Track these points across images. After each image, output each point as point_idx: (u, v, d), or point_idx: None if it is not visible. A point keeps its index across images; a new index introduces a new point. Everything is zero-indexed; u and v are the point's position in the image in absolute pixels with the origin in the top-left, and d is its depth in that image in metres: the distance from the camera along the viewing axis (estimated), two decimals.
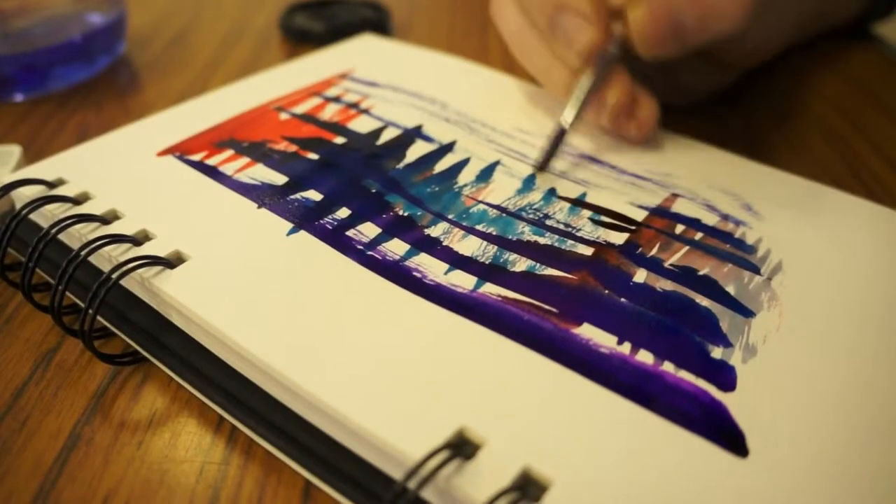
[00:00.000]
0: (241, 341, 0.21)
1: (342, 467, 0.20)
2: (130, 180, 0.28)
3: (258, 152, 0.30)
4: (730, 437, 0.19)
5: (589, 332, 0.22)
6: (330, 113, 0.34)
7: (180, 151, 0.30)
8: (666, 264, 0.25)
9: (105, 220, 0.26)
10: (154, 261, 0.24)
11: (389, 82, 0.37)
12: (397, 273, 0.24)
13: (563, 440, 0.19)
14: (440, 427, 0.19)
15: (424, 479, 0.17)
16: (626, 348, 0.22)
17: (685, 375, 0.21)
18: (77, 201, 0.27)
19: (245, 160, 0.30)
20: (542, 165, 0.31)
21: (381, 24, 0.51)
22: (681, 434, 0.19)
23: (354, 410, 0.19)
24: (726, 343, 0.22)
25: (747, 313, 0.24)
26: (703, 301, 0.24)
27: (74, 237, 0.26)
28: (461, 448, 0.18)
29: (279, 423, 0.21)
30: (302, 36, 0.50)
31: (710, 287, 0.24)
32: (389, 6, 0.54)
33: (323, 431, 0.21)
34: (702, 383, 0.21)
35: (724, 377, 0.21)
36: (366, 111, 0.34)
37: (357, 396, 0.20)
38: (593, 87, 0.31)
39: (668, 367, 0.21)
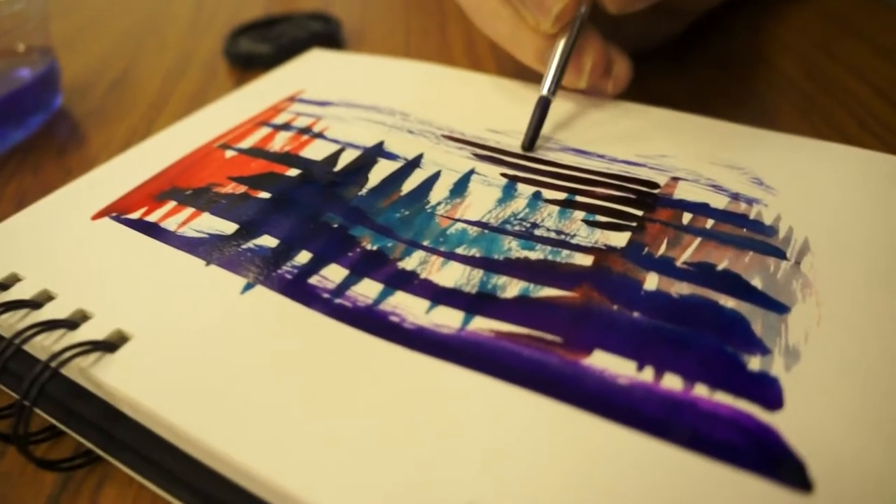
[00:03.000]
0: (197, 433, 0.18)
1: None
2: (63, 253, 0.25)
3: (203, 199, 0.27)
4: (787, 469, 0.16)
5: (602, 361, 0.19)
6: (280, 142, 0.30)
7: (117, 211, 0.27)
8: (678, 263, 0.22)
9: (36, 303, 0.23)
10: (91, 347, 0.20)
11: (343, 99, 0.34)
12: (372, 320, 0.21)
13: (592, 502, 0.16)
14: None
15: None
16: (648, 375, 0.18)
17: (722, 398, 0.18)
18: (4, 286, 0.23)
19: (189, 210, 0.26)
20: (530, 144, 0.29)
21: (332, 37, 0.47)
22: (729, 474, 0.16)
23: (338, 502, 0.16)
24: (763, 349, 0.19)
25: (781, 309, 0.20)
26: (728, 302, 0.21)
27: (4, 328, 0.22)
28: None
29: None
30: (249, 61, 0.46)
31: (733, 283, 0.21)
32: (339, 16, 0.50)
33: None
34: (743, 404, 0.18)
35: (768, 392, 0.18)
36: (319, 135, 0.31)
37: (339, 488, 0.16)
38: (569, 51, 0.30)
39: (700, 390, 0.18)
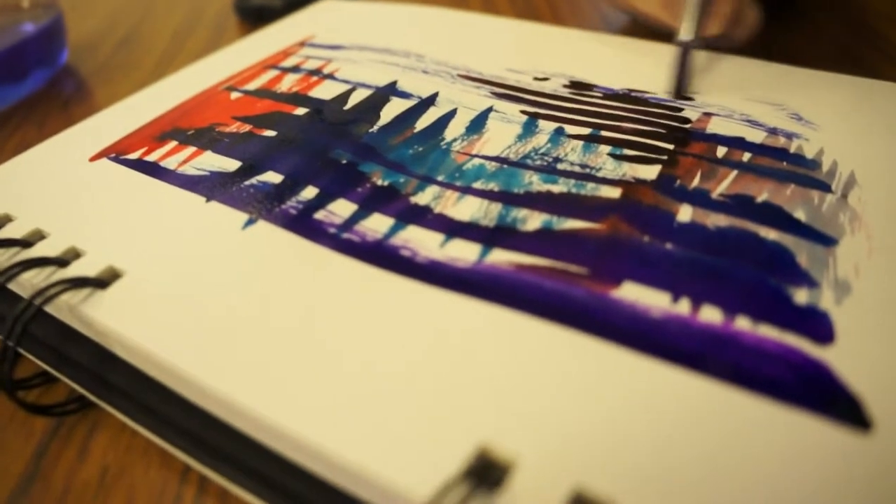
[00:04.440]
0: (190, 371, 0.16)
1: None
2: (58, 193, 0.23)
3: (205, 139, 0.25)
4: (842, 405, 0.14)
5: (633, 293, 0.17)
6: (288, 84, 0.29)
7: (116, 152, 0.25)
8: (714, 195, 0.20)
9: (26, 242, 0.21)
10: (80, 282, 0.19)
11: (355, 43, 0.32)
12: (381, 255, 0.19)
13: (622, 442, 0.14)
14: (454, 448, 0.14)
15: None
16: (683, 307, 0.17)
17: (766, 332, 0.16)
18: None
19: (190, 150, 0.25)
20: (679, 90, 0.27)
21: None
22: (778, 412, 0.14)
23: (341, 444, 0.14)
24: (810, 282, 0.17)
25: (827, 241, 0.19)
26: (770, 234, 0.19)
27: None
28: (486, 473, 0.13)
29: (256, 467, 0.17)
30: (260, 15, 0.45)
31: (775, 215, 0.19)
32: None
33: (310, 472, 0.16)
34: (790, 339, 0.16)
35: (817, 326, 0.16)
36: (329, 76, 0.29)
37: (343, 425, 0.15)
38: None
39: (742, 323, 0.16)
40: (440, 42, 0.31)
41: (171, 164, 0.24)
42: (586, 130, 0.24)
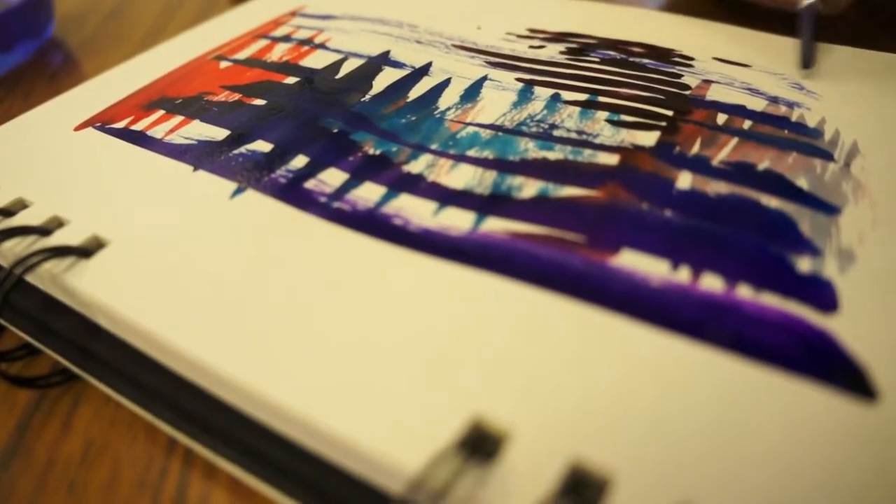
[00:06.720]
0: (179, 342, 0.16)
1: (328, 489, 0.15)
2: (42, 163, 0.23)
3: (194, 107, 0.25)
4: (846, 375, 0.14)
5: (631, 261, 0.17)
6: (279, 53, 0.28)
7: (102, 121, 0.25)
8: (714, 162, 0.20)
9: (9, 212, 0.21)
10: (63, 251, 0.18)
11: (347, 13, 0.31)
12: (373, 223, 0.19)
13: (620, 413, 0.14)
14: (447, 419, 0.14)
15: (435, 498, 0.12)
16: (683, 275, 0.16)
17: (769, 300, 0.16)
18: None
19: (178, 119, 0.24)
20: (808, 61, 0.25)
21: None
22: (781, 382, 0.14)
23: (331, 416, 0.14)
24: (813, 250, 0.17)
25: (830, 210, 0.18)
26: (771, 201, 0.18)
27: None
28: (480, 445, 0.13)
29: (244, 440, 0.16)
30: None
31: (776, 183, 0.19)
32: None
33: (298, 445, 0.15)
34: (793, 307, 0.15)
35: (821, 295, 0.16)
36: (321, 45, 0.28)
37: (333, 397, 0.14)
38: None
39: (744, 292, 0.16)
40: (434, 12, 0.31)
41: (157, 133, 0.23)
42: (583, 96, 0.23)
